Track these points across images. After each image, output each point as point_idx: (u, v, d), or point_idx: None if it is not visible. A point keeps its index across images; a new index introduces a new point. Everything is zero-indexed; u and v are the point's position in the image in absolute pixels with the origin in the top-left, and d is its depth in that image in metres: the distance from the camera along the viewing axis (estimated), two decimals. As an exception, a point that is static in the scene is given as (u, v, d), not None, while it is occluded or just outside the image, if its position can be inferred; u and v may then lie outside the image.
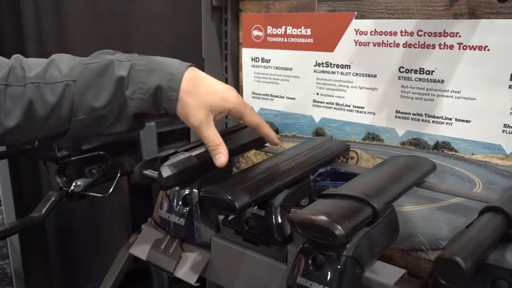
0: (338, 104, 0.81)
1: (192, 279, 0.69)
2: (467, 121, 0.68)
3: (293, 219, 0.51)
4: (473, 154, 0.68)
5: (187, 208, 0.71)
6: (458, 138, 0.69)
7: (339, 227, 0.47)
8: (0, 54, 0.63)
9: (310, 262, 0.51)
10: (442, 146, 0.71)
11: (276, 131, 0.83)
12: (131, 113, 0.62)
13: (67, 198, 1.01)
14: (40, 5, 1.54)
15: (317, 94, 0.83)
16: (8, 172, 1.54)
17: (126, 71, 0.60)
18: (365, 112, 0.78)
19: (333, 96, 0.81)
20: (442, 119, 0.70)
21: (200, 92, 0.60)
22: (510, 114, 0.64)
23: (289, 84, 0.87)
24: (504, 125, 0.64)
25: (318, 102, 0.84)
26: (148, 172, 0.69)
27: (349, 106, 0.80)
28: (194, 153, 0.71)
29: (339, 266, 0.49)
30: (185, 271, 0.70)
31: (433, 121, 0.71)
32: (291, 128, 0.88)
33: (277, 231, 0.61)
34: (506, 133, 0.64)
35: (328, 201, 0.54)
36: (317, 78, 0.83)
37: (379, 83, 0.75)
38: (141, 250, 0.76)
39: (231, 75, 1.00)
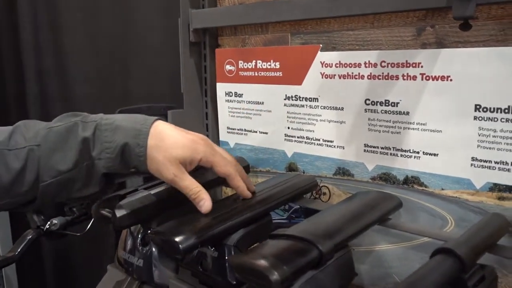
0: (309, 138, 0.79)
1: (148, 325, 0.66)
2: (434, 154, 0.64)
3: (232, 262, 0.48)
4: (443, 189, 0.64)
5: (146, 249, 0.68)
6: (426, 172, 0.65)
7: (275, 272, 0.44)
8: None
9: (249, 309, 0.48)
10: (412, 181, 0.67)
11: (247, 167, 0.80)
12: (100, 173, 0.61)
13: (46, 237, 0.99)
14: (40, 44, 1.58)
15: (288, 128, 0.81)
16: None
17: (90, 131, 0.60)
18: (334, 146, 0.75)
19: (303, 130, 0.79)
20: (410, 152, 0.67)
21: (167, 146, 0.59)
22: (477, 146, 0.60)
23: (262, 118, 0.85)
24: (472, 158, 0.61)
25: (289, 136, 0.82)
26: (104, 211, 0.68)
27: (319, 140, 0.77)
28: (154, 190, 0.70)
29: (277, 315, 0.46)
30: (142, 316, 0.67)
31: (401, 155, 0.68)
32: (265, 163, 0.86)
33: (230, 273, 0.58)
34: (474, 166, 0.61)
35: (273, 243, 0.51)
36: (287, 112, 0.81)
37: (347, 116, 0.73)
38: (104, 292, 0.74)
39: (211, 109, 0.99)
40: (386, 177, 0.70)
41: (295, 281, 0.47)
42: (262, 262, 0.45)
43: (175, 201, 0.70)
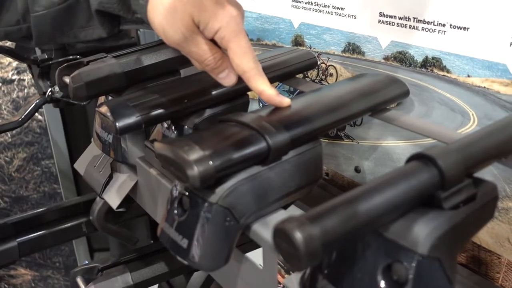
0: (317, 5, 0.63)
1: (114, 203, 0.62)
2: (464, 28, 0.48)
3: (155, 149, 0.39)
4: (469, 76, 0.49)
5: (115, 124, 0.61)
6: (452, 53, 0.50)
7: (195, 166, 0.35)
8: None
9: (176, 205, 0.40)
10: (432, 64, 0.52)
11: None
12: (93, 7, 0.50)
13: (54, 103, 0.96)
14: None
15: (296, -9, 0.66)
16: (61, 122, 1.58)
17: None
18: (345, 15, 0.60)
19: (312, -6, 0.64)
20: (434, 25, 0.50)
21: None
22: (524, 18, 0.43)
23: (268, -22, 0.70)
24: (514, 35, 0.44)
25: (297, 1, 0.66)
26: (67, 78, 0.60)
27: (328, 7, 0.62)
28: (124, 59, 0.60)
29: (200, 215, 0.38)
30: (111, 194, 0.63)
31: (422, 28, 0.52)
32: (271, 35, 0.72)
33: (186, 159, 0.50)
34: (515, 47, 0.44)
35: (214, 129, 0.41)
36: (295, -31, 0.65)
37: (362, -25, 0.56)
38: (82, 164, 0.70)
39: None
40: (401, 57, 0.55)
41: (229, 177, 0.38)
42: (183, 153, 0.36)
43: (148, 73, 0.61)
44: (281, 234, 0.27)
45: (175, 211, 0.39)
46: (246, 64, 0.42)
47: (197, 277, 0.70)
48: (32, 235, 1.00)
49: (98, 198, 0.87)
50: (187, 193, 0.39)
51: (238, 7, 0.42)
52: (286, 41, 0.70)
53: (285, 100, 0.43)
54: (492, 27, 0.45)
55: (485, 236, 0.52)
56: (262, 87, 0.43)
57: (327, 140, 0.67)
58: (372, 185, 0.31)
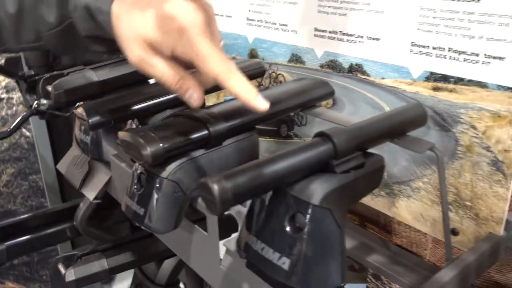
0: (267, 22, 0.74)
1: (90, 195, 0.70)
2: (376, 39, 0.58)
3: (118, 136, 0.49)
4: (383, 78, 0.59)
5: (91, 126, 0.70)
6: (369, 60, 0.60)
7: (148, 147, 0.44)
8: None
9: (136, 181, 0.49)
10: (356, 69, 0.62)
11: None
12: (80, 34, 0.52)
13: (40, 115, 1.05)
14: None
15: (249, 10, 0.76)
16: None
17: None
18: (288, 31, 0.70)
19: (262, 13, 0.74)
20: (355, 37, 0.61)
21: (134, 17, 0.42)
22: (418, 29, 0.53)
23: None
24: (412, 43, 0.54)
25: (250, 20, 0.77)
26: (49, 87, 0.69)
27: (275, 24, 0.72)
28: (101, 71, 0.70)
29: (154, 187, 0.47)
30: (88, 188, 0.71)
31: (347, 40, 0.62)
32: (230, 49, 0.83)
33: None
34: (414, 53, 0.55)
35: (167, 120, 0.51)
36: (248, -7, 0.75)
37: (299, -4, 0.67)
38: (64, 165, 0.78)
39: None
40: (333, 65, 0.65)
41: (177, 158, 0.47)
42: (138, 137, 0.45)
43: (120, 81, 0.71)
44: (203, 186, 0.36)
45: (135, 187, 0.49)
46: (215, 67, 0.41)
47: (167, 264, 0.78)
48: (19, 239, 1.06)
49: (81, 204, 0.95)
50: (144, 171, 0.48)
51: (197, 6, 0.41)
52: (243, 54, 0.81)
53: (262, 106, 0.42)
54: (396, 38, 0.56)
55: (405, 214, 0.62)
56: (236, 89, 0.41)
57: (280, 140, 0.77)
58: (280, 153, 0.40)
